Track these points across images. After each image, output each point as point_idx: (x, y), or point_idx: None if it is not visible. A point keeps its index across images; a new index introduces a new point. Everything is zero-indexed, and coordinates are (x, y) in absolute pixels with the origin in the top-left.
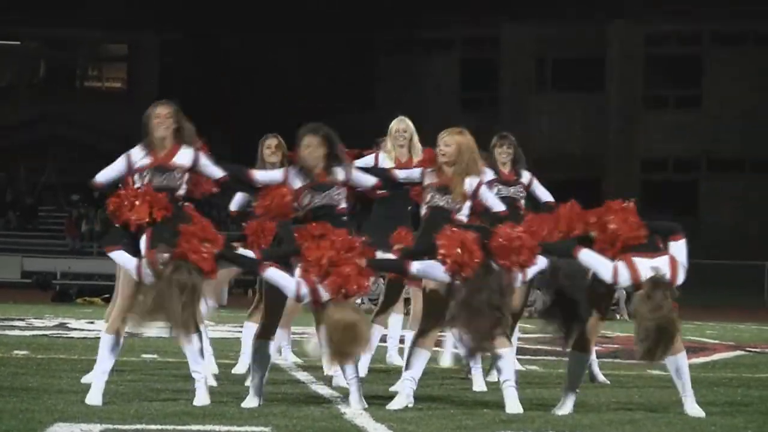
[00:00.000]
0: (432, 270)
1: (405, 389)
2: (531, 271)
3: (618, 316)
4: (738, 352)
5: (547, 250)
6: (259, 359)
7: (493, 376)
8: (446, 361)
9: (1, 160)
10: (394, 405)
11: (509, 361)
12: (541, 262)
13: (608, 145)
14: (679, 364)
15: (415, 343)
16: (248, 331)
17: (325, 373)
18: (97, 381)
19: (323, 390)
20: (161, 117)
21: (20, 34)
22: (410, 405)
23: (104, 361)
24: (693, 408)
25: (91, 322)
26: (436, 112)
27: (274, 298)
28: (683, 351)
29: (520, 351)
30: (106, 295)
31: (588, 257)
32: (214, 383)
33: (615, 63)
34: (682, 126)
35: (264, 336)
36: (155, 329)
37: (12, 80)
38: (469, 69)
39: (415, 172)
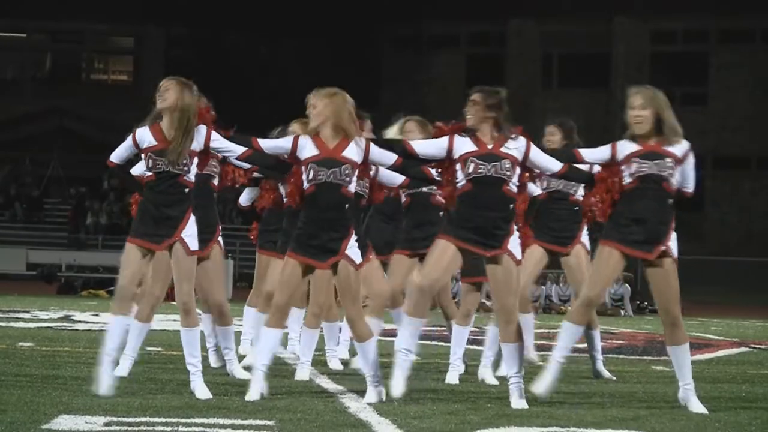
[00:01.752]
0: None
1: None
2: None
3: (623, 312)
4: (742, 349)
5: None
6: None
7: (501, 370)
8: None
9: (7, 153)
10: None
11: (517, 356)
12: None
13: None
14: (682, 354)
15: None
16: (248, 316)
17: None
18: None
19: (327, 384)
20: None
21: (26, 27)
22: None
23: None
24: (696, 405)
25: (96, 315)
26: (442, 109)
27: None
28: (687, 342)
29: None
30: (111, 288)
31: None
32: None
33: (621, 60)
34: (687, 124)
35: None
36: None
37: (18, 73)
38: (474, 65)
39: (436, 144)
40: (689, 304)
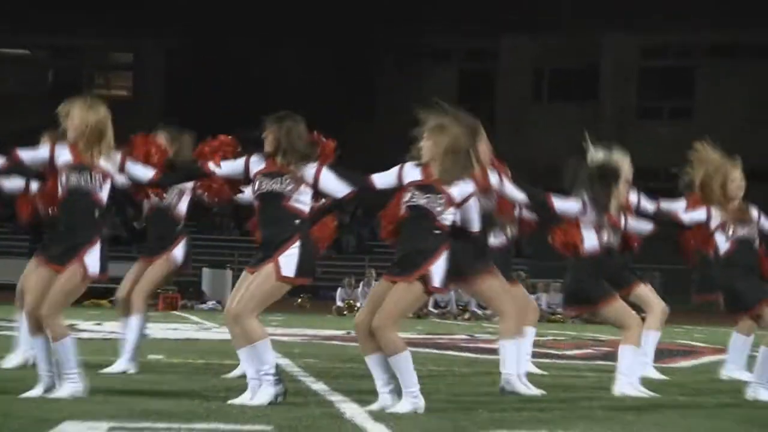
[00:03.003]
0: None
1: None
2: None
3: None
4: (726, 356)
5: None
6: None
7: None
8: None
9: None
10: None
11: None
12: None
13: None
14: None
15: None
16: None
17: None
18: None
19: (323, 390)
20: None
21: (29, 44)
22: None
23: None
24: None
25: (99, 324)
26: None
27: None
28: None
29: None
30: (113, 298)
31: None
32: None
33: (609, 74)
34: (674, 137)
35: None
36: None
37: (21, 89)
38: (467, 80)
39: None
40: (673, 312)
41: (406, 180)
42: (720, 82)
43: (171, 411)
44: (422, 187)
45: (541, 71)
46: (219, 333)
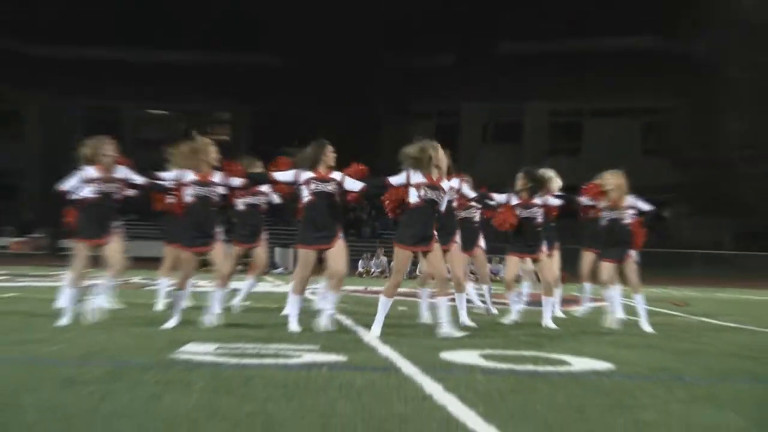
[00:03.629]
0: None
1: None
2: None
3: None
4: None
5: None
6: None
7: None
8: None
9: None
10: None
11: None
12: None
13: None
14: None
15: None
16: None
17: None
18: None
19: (351, 324)
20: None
21: (167, 107)
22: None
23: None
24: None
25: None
26: None
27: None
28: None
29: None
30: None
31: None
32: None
33: (529, 127)
34: (571, 166)
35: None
36: None
37: (159, 136)
38: (441, 131)
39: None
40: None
41: (414, 181)
42: (599, 131)
43: (254, 336)
44: (430, 186)
45: (486, 125)
46: (284, 288)
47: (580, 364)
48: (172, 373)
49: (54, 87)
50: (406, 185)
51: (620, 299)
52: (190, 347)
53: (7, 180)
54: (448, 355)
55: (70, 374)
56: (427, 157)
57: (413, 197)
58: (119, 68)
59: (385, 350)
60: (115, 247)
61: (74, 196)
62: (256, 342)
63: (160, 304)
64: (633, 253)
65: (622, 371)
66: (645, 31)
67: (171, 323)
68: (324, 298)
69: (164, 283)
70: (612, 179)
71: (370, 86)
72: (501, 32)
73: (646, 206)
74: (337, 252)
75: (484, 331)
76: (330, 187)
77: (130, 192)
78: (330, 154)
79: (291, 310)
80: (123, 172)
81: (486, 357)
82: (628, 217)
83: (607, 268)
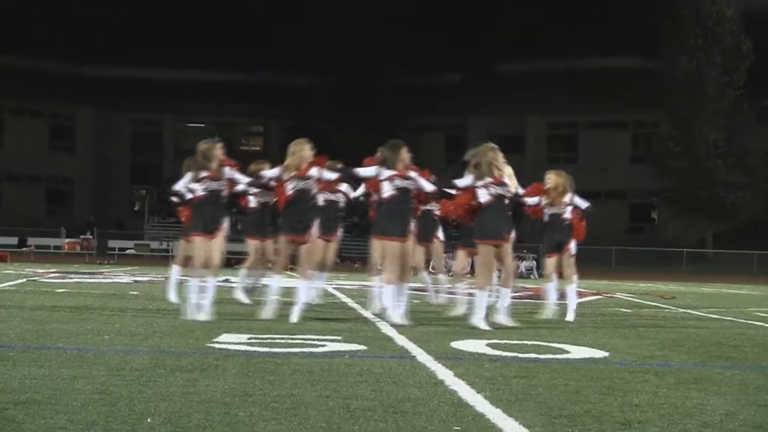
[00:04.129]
0: None
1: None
2: None
3: (531, 277)
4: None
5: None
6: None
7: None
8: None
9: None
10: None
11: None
12: None
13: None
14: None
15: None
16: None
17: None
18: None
19: (370, 317)
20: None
21: (205, 120)
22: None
23: None
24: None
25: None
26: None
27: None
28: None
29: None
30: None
31: None
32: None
33: (530, 138)
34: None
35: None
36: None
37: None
38: (449, 143)
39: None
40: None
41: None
42: (593, 142)
43: (282, 329)
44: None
45: (492, 136)
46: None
47: (577, 352)
48: (208, 361)
49: (102, 103)
50: (473, 187)
51: (556, 291)
52: (225, 337)
53: (61, 186)
54: (458, 345)
55: (117, 362)
56: (487, 160)
57: (485, 196)
58: (161, 85)
59: (401, 340)
60: (217, 245)
61: (187, 196)
62: (284, 333)
63: (242, 297)
64: (572, 247)
65: (615, 358)
66: (632, 52)
67: (285, 315)
68: (392, 294)
69: (243, 275)
70: (553, 178)
71: (386, 103)
72: (503, 53)
73: (583, 204)
74: (411, 246)
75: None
76: (409, 184)
77: (243, 188)
78: (405, 155)
79: (388, 301)
80: (228, 172)
81: (492, 346)
82: (567, 213)
83: (549, 262)
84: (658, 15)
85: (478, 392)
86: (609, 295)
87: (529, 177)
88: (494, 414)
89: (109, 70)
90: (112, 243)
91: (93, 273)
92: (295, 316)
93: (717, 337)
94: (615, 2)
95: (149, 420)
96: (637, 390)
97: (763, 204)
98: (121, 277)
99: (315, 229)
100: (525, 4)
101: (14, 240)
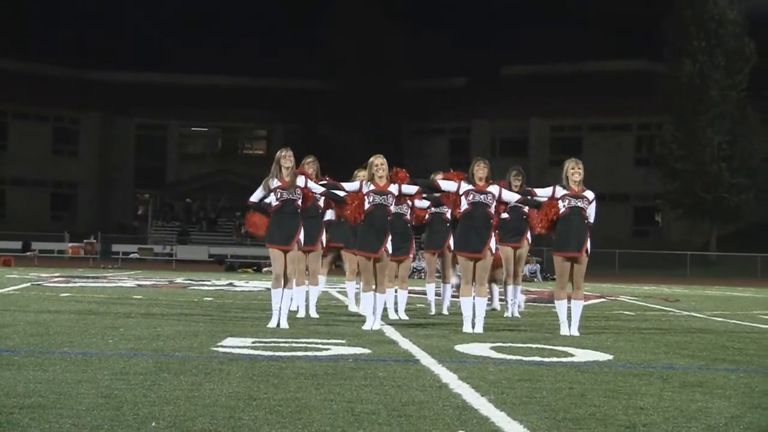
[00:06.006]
0: None
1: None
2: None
3: (535, 280)
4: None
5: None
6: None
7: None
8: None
9: (197, 193)
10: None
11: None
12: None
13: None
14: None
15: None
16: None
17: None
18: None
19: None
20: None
21: (208, 125)
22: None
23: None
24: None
25: (247, 282)
26: (436, 168)
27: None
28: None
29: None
30: (254, 267)
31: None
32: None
33: (533, 142)
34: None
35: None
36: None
37: (203, 149)
38: (453, 146)
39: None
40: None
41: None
42: (596, 145)
43: (287, 332)
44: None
45: (495, 139)
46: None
47: (582, 355)
48: (213, 365)
49: (106, 107)
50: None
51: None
52: (229, 341)
53: (65, 190)
54: (461, 348)
55: (121, 366)
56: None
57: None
58: (165, 90)
59: (405, 344)
60: (292, 257)
61: (263, 205)
62: (289, 336)
63: (352, 307)
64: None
65: (620, 362)
66: (635, 55)
67: (372, 324)
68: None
69: (351, 287)
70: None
71: (391, 107)
72: (507, 57)
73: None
74: (490, 259)
75: (494, 326)
76: (486, 198)
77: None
78: (481, 170)
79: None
80: (303, 181)
81: (496, 349)
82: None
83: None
84: (661, 18)
85: (482, 395)
86: (613, 298)
87: (532, 180)
88: (498, 417)
89: (114, 74)
90: (116, 247)
91: (97, 277)
92: (376, 323)
93: (721, 340)
94: (618, 6)
95: (154, 424)
96: (641, 393)
97: (767, 206)
98: (125, 281)
99: (389, 245)
100: (529, 7)
101: (19, 244)
